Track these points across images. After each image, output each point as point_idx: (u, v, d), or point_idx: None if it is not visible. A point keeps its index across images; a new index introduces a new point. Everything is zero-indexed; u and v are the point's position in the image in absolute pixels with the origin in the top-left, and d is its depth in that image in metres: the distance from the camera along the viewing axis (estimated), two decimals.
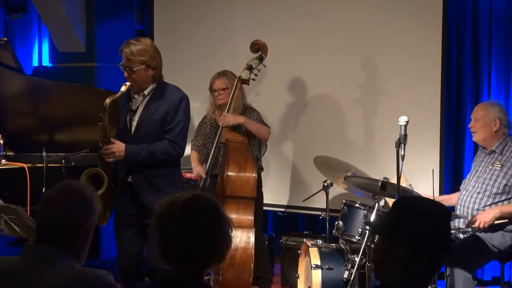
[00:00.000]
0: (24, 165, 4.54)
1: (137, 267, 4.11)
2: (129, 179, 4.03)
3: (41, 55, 6.82)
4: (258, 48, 4.56)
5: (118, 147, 3.94)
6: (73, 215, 2.12)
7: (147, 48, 3.90)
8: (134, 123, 4.01)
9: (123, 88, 3.92)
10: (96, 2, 6.14)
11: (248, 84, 4.59)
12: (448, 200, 4.54)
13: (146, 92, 3.99)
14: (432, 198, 4.25)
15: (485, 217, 4.04)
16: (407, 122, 3.77)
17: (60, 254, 2.09)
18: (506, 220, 4.09)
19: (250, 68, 4.53)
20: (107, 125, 3.93)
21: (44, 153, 4.50)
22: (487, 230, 4.08)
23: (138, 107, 4.01)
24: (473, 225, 4.07)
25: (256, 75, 4.57)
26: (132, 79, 3.92)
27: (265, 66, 4.60)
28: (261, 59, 4.55)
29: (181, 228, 1.96)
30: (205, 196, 2.04)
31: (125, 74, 3.93)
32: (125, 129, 4.04)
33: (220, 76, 4.79)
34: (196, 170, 4.94)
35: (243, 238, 4.21)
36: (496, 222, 4.06)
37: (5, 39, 4.84)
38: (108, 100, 3.91)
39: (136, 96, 4.02)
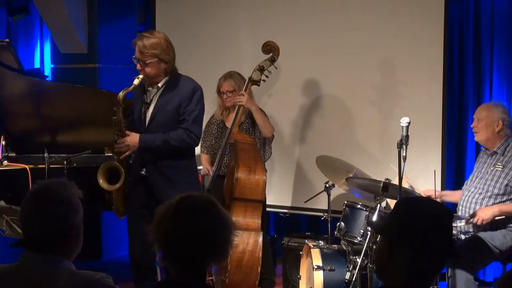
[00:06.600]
0: (26, 166, 4.53)
1: (149, 261, 4.09)
2: (142, 172, 4.03)
3: (43, 56, 6.82)
4: (270, 49, 4.55)
5: (132, 138, 3.95)
6: (56, 221, 2.07)
7: (160, 42, 3.93)
8: (148, 115, 4.03)
9: (135, 81, 3.95)
10: (98, 4, 6.15)
11: (258, 85, 4.58)
12: (451, 195, 4.54)
13: (160, 85, 4.02)
14: (433, 195, 4.28)
15: (484, 214, 4.06)
16: (409, 123, 3.78)
17: (55, 259, 2.07)
18: (504, 217, 4.09)
19: (261, 69, 4.52)
20: (121, 119, 3.95)
21: (46, 154, 4.51)
22: (487, 228, 4.09)
23: (152, 100, 4.03)
24: (471, 220, 4.09)
25: (267, 76, 4.56)
26: (144, 72, 3.95)
27: (276, 67, 4.58)
28: (272, 60, 4.54)
29: (177, 228, 1.95)
30: (200, 196, 2.04)
31: (138, 66, 3.96)
32: (140, 122, 4.06)
33: (227, 79, 4.78)
34: (204, 169, 4.92)
35: (250, 241, 4.19)
36: (496, 218, 4.07)
37: (7, 40, 4.83)
38: (121, 93, 3.93)
39: (150, 88, 4.05)
